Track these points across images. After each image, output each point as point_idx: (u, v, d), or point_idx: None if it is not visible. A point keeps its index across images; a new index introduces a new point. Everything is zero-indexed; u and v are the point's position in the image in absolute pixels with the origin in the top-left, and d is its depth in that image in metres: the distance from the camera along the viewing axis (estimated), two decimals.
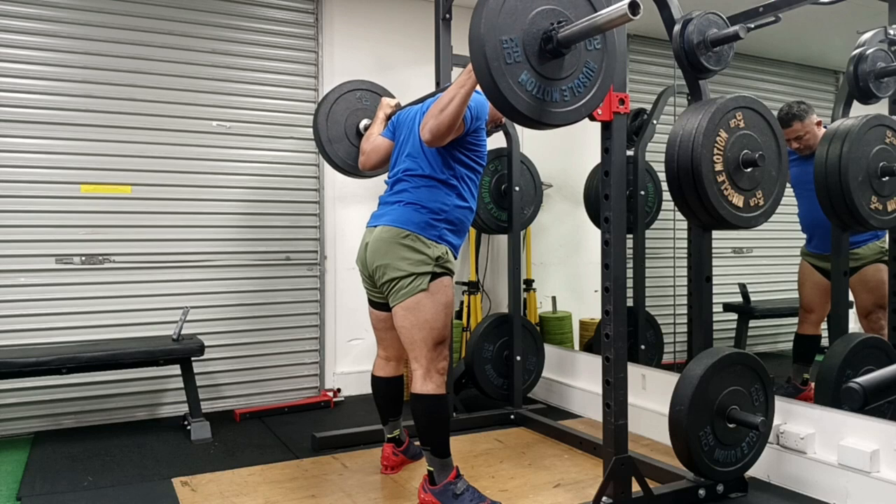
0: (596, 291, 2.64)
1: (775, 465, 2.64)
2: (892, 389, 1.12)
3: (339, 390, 3.96)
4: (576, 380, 3.79)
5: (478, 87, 2.03)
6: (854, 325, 3.18)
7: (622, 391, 2.30)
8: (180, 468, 2.87)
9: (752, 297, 4.30)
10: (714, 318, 2.59)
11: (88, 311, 3.48)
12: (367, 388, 3.16)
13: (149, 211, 3.59)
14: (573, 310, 4.41)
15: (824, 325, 3.45)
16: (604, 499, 2.26)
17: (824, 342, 3.41)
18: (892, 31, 2.83)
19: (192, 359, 3.33)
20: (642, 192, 3.95)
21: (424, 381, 2.40)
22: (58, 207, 3.41)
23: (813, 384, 3.15)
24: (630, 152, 3.84)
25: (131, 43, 3.55)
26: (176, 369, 3.39)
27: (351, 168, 3.14)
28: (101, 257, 3.50)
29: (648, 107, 4.03)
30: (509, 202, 3.58)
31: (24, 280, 3.35)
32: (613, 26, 1.81)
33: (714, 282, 2.58)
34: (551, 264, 4.58)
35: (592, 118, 2.16)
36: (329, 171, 3.91)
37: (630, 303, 3.90)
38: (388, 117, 2.85)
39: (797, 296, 3.56)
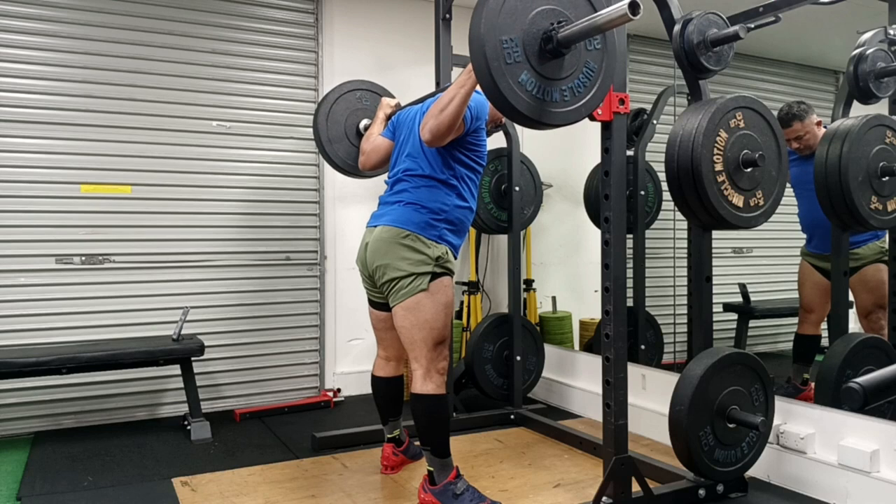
0: (596, 291, 2.64)
1: (775, 465, 2.64)
2: (892, 389, 1.12)
3: (339, 390, 3.96)
4: (576, 380, 3.79)
5: (478, 87, 2.03)
6: (854, 325, 3.18)
7: (622, 391, 2.30)
8: (180, 468, 2.87)
9: (752, 297, 4.30)
10: (714, 318, 2.59)
11: (88, 311, 3.48)
12: (367, 388, 3.16)
13: (149, 211, 3.59)
14: (573, 310, 4.41)
15: (824, 325, 3.45)
16: (604, 499, 2.26)
17: (824, 342, 3.41)
18: (892, 31, 2.83)
19: (192, 359, 3.33)
20: (642, 192, 3.95)
21: (424, 381, 2.40)
22: (58, 207, 3.41)
23: (813, 384, 3.15)
24: (630, 152, 3.84)
25: (131, 43, 3.55)
26: (176, 369, 3.39)
27: (351, 168, 3.14)
28: (101, 257, 3.50)
29: (648, 107, 4.03)
30: (509, 202, 3.58)
31: (24, 280, 3.35)
32: (613, 26, 1.81)
33: (714, 282, 2.58)
34: (551, 264, 4.58)
35: (592, 118, 2.16)
36: (329, 171, 3.91)
37: (630, 303, 3.90)
38: (388, 117, 2.85)
39: (797, 296, 3.56)
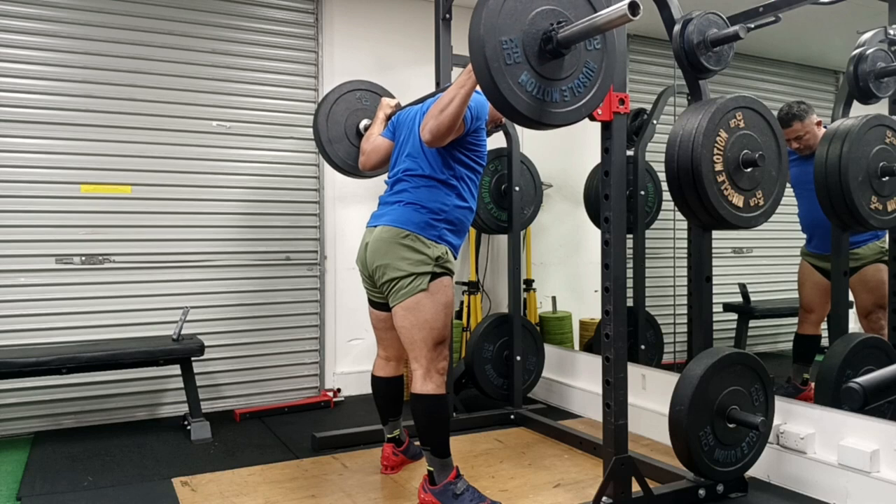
0: (596, 291, 2.64)
1: (775, 465, 2.64)
2: (892, 389, 1.12)
3: (339, 390, 3.96)
4: (576, 380, 3.79)
5: (478, 87, 2.03)
6: (854, 325, 3.18)
7: (622, 391, 2.30)
8: (180, 468, 2.87)
9: (752, 297, 4.30)
10: (714, 318, 2.59)
11: (88, 311, 3.48)
12: (367, 388, 3.16)
13: (149, 211, 3.59)
14: (573, 310, 4.41)
15: (824, 325, 3.45)
16: (604, 499, 2.26)
17: (824, 342, 3.41)
18: (892, 31, 2.83)
19: (192, 359, 3.33)
20: (642, 192, 3.95)
21: (424, 381, 2.40)
22: (58, 207, 3.41)
23: (813, 384, 3.15)
24: (630, 152, 3.84)
25: (131, 43, 3.55)
26: (176, 369, 3.39)
27: (351, 168, 3.14)
28: (101, 257, 3.50)
29: (648, 107, 4.03)
30: (509, 202, 3.58)
31: (24, 280, 3.35)
32: (613, 27, 1.81)
33: (714, 282, 2.58)
34: (551, 264, 4.58)
35: (592, 118, 2.16)
36: (329, 171, 3.91)
37: (630, 303, 3.90)
38: (388, 117, 2.85)
39: (797, 296, 3.56)
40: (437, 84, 3.33)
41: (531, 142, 4.12)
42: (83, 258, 3.46)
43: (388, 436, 2.83)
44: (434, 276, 2.41)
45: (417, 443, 2.66)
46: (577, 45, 1.93)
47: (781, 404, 2.65)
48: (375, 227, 2.51)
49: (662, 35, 2.55)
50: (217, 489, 2.64)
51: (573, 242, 4.63)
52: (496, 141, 3.41)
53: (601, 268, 2.32)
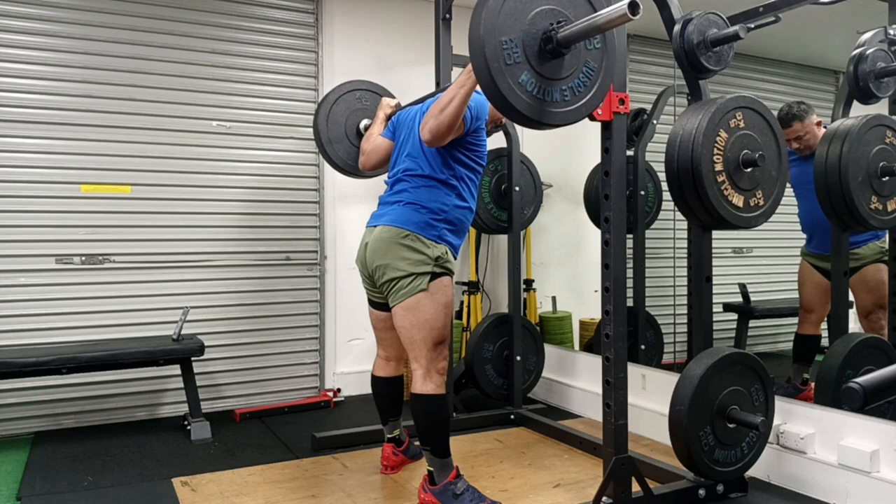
0: (596, 291, 2.64)
1: (775, 465, 2.64)
2: (892, 389, 1.12)
3: (339, 390, 3.96)
4: (576, 380, 3.79)
5: (478, 87, 2.03)
6: (854, 325, 3.18)
7: (622, 391, 2.30)
8: (180, 468, 2.87)
9: (752, 297, 4.30)
10: (714, 318, 2.59)
11: (88, 311, 3.48)
12: (367, 388, 3.16)
13: (149, 211, 3.59)
14: (573, 310, 4.41)
15: (824, 325, 3.45)
16: (604, 499, 2.26)
17: (824, 342, 3.41)
18: (892, 31, 2.82)
19: (192, 359, 3.33)
20: (642, 192, 3.95)
21: (424, 381, 2.40)
22: (58, 207, 3.41)
23: (813, 384, 3.15)
24: (630, 152, 3.84)
25: (131, 43, 3.55)
26: (176, 369, 3.39)
27: (351, 168, 3.14)
28: (101, 257, 3.50)
29: (648, 107, 4.03)
30: (509, 202, 3.58)
31: (24, 280, 3.35)
32: (613, 26, 1.81)
33: (714, 282, 2.58)
34: (551, 264, 4.58)
35: (592, 118, 2.16)
36: (329, 171, 3.91)
37: (630, 303, 3.90)
38: (388, 117, 2.85)
39: (797, 296, 3.56)
40: (437, 84, 3.33)
41: (531, 142, 4.12)
42: (83, 258, 3.46)
43: (389, 436, 2.83)
44: (434, 276, 2.41)
45: (417, 443, 2.66)
46: (577, 45, 1.93)
47: (781, 404, 2.65)
48: (375, 226, 2.51)
49: (662, 35, 2.55)
50: (217, 489, 2.64)
51: (573, 242, 4.63)
52: (496, 141, 3.41)
53: (601, 268, 2.32)
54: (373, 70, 4.01)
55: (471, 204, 2.55)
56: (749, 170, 2.33)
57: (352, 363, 4.08)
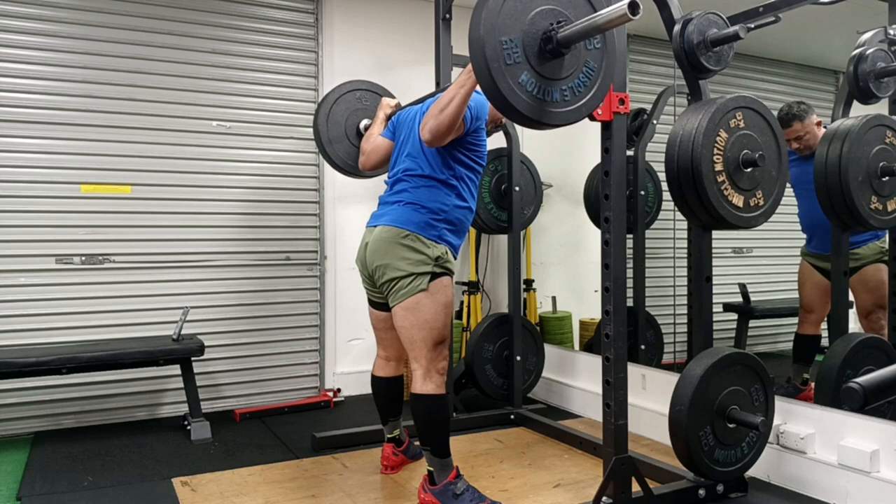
0: (596, 291, 2.64)
1: (775, 465, 2.64)
2: (892, 389, 1.12)
3: (339, 390, 3.96)
4: (576, 380, 3.79)
5: (478, 87, 2.03)
6: (854, 325, 3.18)
7: (622, 391, 2.30)
8: (180, 468, 2.87)
9: (752, 297, 4.30)
10: (714, 318, 2.59)
11: (88, 311, 3.48)
12: (367, 388, 3.16)
13: (149, 211, 3.59)
14: (573, 310, 4.41)
15: (824, 325, 3.45)
16: (604, 499, 2.26)
17: (824, 342, 3.41)
18: (892, 31, 2.82)
19: (192, 359, 3.33)
20: (642, 192, 3.95)
21: (424, 381, 2.40)
22: (58, 207, 3.41)
23: (813, 384, 3.15)
24: (630, 152, 3.84)
25: (131, 43, 3.55)
26: (176, 369, 3.39)
27: (351, 168, 3.14)
28: (101, 257, 3.50)
29: (648, 107, 4.03)
30: (509, 202, 3.58)
31: (24, 280, 3.35)
32: (613, 26, 1.81)
33: (714, 282, 2.58)
34: (551, 264, 4.58)
35: (592, 118, 2.16)
36: (329, 171, 3.91)
37: (630, 303, 3.90)
38: (388, 117, 2.85)
39: (797, 296, 3.56)
40: (437, 84, 3.33)
41: (531, 142, 4.12)
42: (83, 258, 3.46)
43: (388, 436, 2.83)
44: (434, 276, 2.41)
45: (417, 443, 2.66)
46: (577, 45, 1.93)
47: (781, 404, 2.65)
48: (375, 226, 2.51)
49: (662, 35, 2.55)
50: (217, 489, 2.64)
51: (573, 242, 4.63)
52: (496, 141, 3.41)
53: (601, 268, 2.32)
54: (373, 70, 4.01)
55: (471, 204, 2.55)
56: (749, 170, 2.33)
57: (352, 363, 4.08)
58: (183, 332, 3.34)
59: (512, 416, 3.47)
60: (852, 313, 3.08)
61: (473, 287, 4.25)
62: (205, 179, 3.72)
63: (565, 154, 4.41)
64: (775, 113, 2.81)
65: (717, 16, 2.47)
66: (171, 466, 2.89)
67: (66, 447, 3.15)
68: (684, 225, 3.61)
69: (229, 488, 2.64)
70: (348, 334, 4.08)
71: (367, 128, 3.04)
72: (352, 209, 4.06)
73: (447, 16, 3.29)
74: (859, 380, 1.10)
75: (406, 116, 2.68)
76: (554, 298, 4.44)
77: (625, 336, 2.32)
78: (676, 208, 2.43)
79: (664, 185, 3.28)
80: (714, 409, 2.37)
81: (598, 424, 2.54)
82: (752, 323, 4.36)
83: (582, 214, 4.13)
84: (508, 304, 3.65)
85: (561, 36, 1.86)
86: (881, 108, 2.84)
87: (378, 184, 3.22)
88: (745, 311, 4.30)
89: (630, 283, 3.84)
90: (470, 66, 2.02)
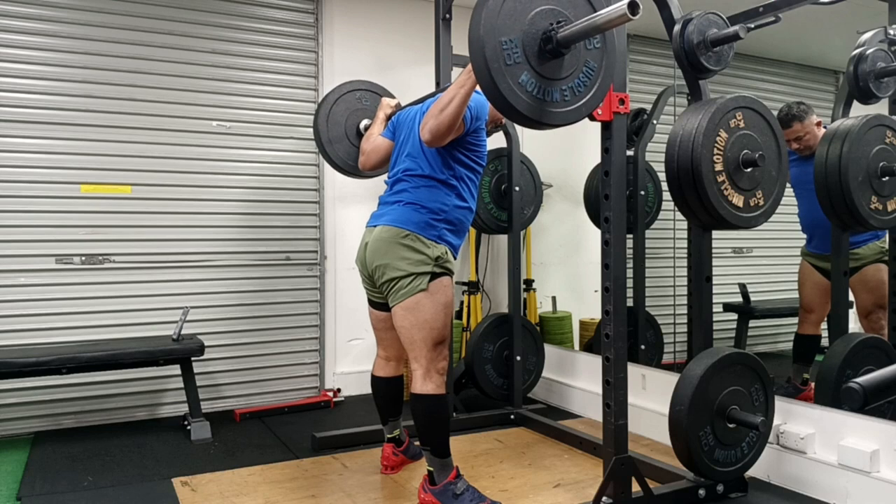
0: (596, 291, 2.64)
1: (775, 465, 2.64)
2: (892, 389, 1.12)
3: (339, 390, 3.96)
4: (576, 380, 3.79)
5: (478, 87, 2.03)
6: (854, 325, 3.18)
7: (622, 391, 2.30)
8: (180, 468, 2.87)
9: (752, 297, 4.30)
10: (714, 318, 2.59)
11: (88, 311, 3.48)
12: (367, 388, 3.15)
13: (149, 211, 3.59)
14: (573, 310, 4.41)
15: (824, 325, 3.45)
16: (604, 499, 2.26)
17: (824, 342, 3.41)
18: (892, 31, 2.82)
19: (192, 359, 3.33)
20: (642, 192, 3.95)
21: (424, 381, 2.40)
22: (58, 207, 3.41)
23: (813, 384, 3.15)
24: (630, 152, 3.84)
25: (131, 43, 3.55)
26: (176, 369, 3.39)
27: (351, 168, 3.14)
28: (101, 257, 3.50)
29: (648, 107, 4.03)
30: (509, 202, 3.58)
31: (24, 280, 3.35)
32: (613, 26, 1.81)
33: (714, 282, 2.58)
34: (551, 264, 4.58)
35: (592, 118, 2.16)
36: (329, 171, 3.91)
37: (630, 303, 3.90)
38: (388, 117, 2.85)
39: (797, 296, 3.56)
40: (437, 84, 3.33)
41: (531, 142, 4.12)
42: (83, 258, 3.46)
43: (388, 436, 2.83)
44: (434, 276, 2.41)
45: (417, 443, 2.66)
46: (577, 45, 1.93)
47: (781, 404, 2.65)
48: (375, 226, 2.51)
49: (662, 35, 2.55)
50: (217, 489, 2.64)
51: (573, 242, 4.63)
52: (496, 141, 3.41)
53: (601, 268, 2.32)
54: (373, 70, 4.01)
55: (471, 204, 2.55)
56: (749, 170, 2.33)
57: (352, 363, 4.08)
58: (183, 332, 3.34)
59: (512, 416, 3.47)
60: (852, 313, 3.08)
61: (473, 287, 4.25)
62: (205, 179, 3.71)
63: (565, 154, 4.41)
64: (775, 113, 2.81)
65: (717, 16, 2.47)
66: (171, 466, 2.89)
67: (66, 447, 3.15)
68: (684, 225, 3.61)
69: (229, 488, 2.64)
70: (348, 334, 4.08)
71: (367, 128, 3.04)
72: (352, 209, 4.06)
73: (447, 16, 3.29)
74: (859, 380, 1.10)
75: (406, 116, 2.68)
76: (554, 298, 4.44)
77: (625, 336, 2.32)
78: (676, 208, 2.43)
79: (664, 185, 3.28)
80: (714, 409, 2.37)
81: (598, 424, 2.54)
82: (752, 323, 4.36)
83: (582, 214, 4.13)
84: (508, 304, 3.65)
85: (561, 36, 1.86)
86: (881, 108, 2.84)
87: (378, 184, 3.22)
88: (745, 311, 4.30)
89: (630, 283, 3.84)
90: (470, 66, 2.02)
